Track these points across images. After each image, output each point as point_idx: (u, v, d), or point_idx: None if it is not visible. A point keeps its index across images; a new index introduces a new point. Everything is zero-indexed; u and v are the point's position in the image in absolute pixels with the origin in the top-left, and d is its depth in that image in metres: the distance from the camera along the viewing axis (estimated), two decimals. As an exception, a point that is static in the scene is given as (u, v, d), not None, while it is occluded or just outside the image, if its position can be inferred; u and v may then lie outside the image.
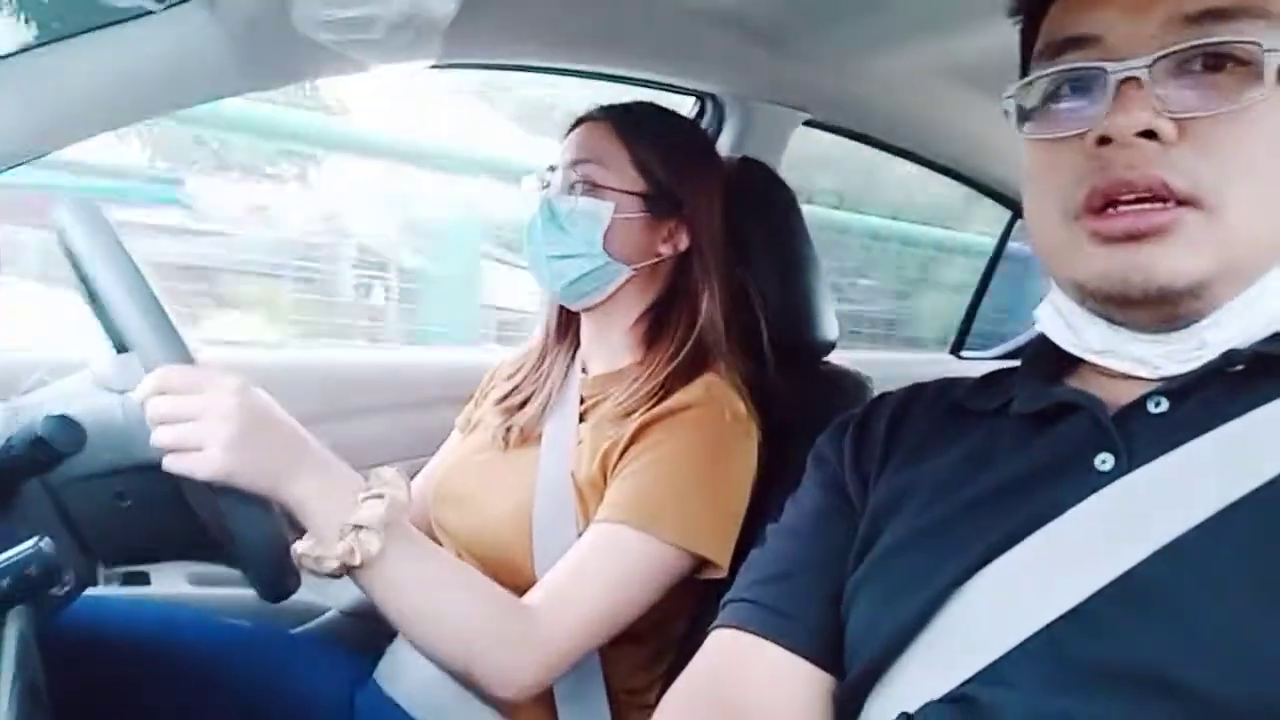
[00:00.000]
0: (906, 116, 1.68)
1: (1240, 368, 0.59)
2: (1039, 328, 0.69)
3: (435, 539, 1.14)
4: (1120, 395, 0.63)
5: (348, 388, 1.39)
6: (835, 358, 1.25)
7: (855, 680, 0.66)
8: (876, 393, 1.14)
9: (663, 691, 1.03)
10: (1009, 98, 0.66)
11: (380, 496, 0.80)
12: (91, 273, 0.76)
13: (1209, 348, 0.60)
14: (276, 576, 0.78)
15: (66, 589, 0.51)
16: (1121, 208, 0.58)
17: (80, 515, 0.77)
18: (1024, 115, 0.66)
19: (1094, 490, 0.59)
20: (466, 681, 0.88)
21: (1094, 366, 0.67)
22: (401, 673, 1.05)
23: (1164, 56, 0.57)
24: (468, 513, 1.08)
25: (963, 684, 0.58)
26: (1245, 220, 0.57)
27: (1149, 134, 0.57)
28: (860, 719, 0.65)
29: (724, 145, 1.52)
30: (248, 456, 0.75)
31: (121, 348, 0.81)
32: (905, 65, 1.50)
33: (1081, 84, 0.62)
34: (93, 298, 0.78)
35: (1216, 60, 0.58)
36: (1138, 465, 0.59)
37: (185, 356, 0.77)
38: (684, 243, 1.10)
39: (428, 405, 1.40)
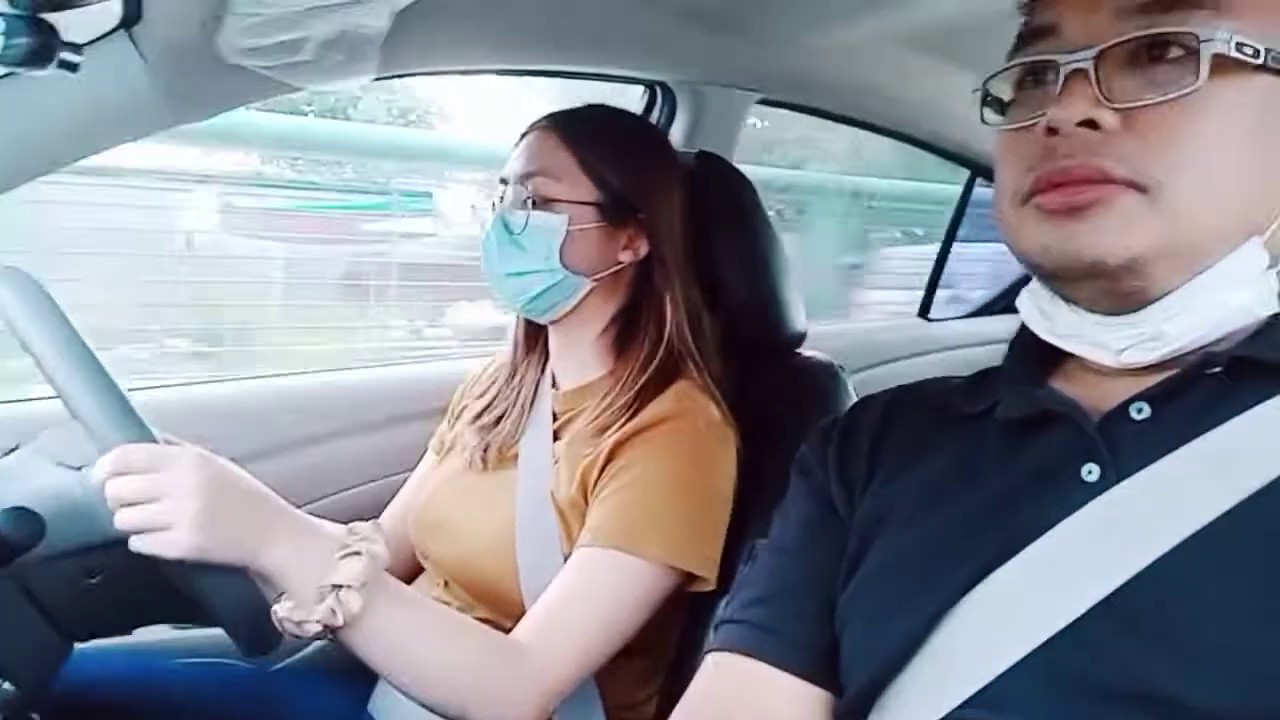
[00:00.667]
0: (861, 87, 1.67)
1: (1219, 370, 0.59)
2: (1020, 315, 0.69)
3: (420, 566, 1.13)
4: (1104, 399, 0.63)
5: (317, 412, 1.36)
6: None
7: (851, 704, 0.66)
8: (852, 367, 1.17)
9: (660, 703, 1.04)
10: (976, 91, 0.67)
11: (358, 554, 0.79)
12: (34, 348, 0.73)
13: (1164, 339, 0.60)
14: (257, 635, 0.77)
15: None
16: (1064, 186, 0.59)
17: (48, 597, 0.76)
18: (1001, 106, 0.67)
19: (1082, 503, 0.58)
20: None
21: (1078, 362, 0.67)
22: (395, 703, 1.04)
23: (1109, 48, 0.58)
24: (451, 540, 1.07)
25: (959, 707, 0.58)
26: (1187, 203, 0.57)
27: (1091, 124, 0.58)
28: None
29: (677, 134, 1.50)
30: (217, 531, 0.74)
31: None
32: (858, 37, 1.48)
33: (1039, 75, 0.63)
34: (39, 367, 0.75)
35: (1161, 50, 0.58)
36: (1125, 476, 0.58)
37: (141, 432, 0.74)
38: (644, 249, 1.07)
39: (399, 422, 1.38)
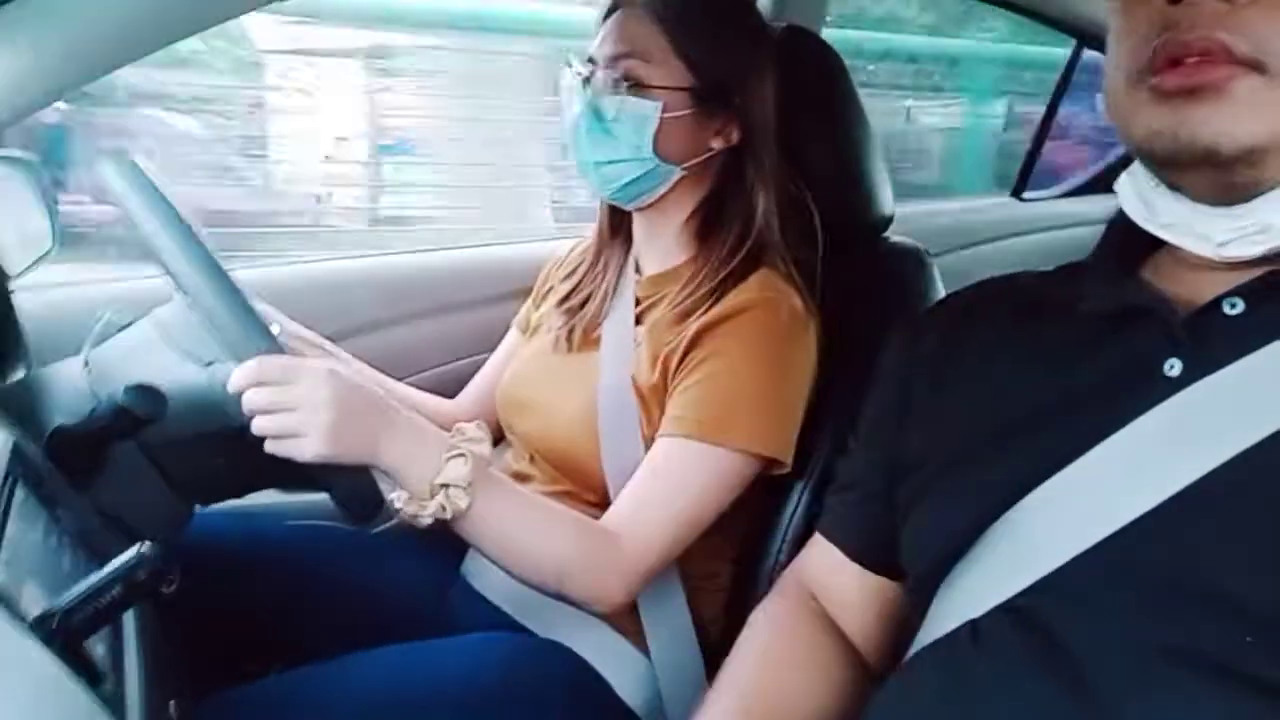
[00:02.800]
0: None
1: None
2: (1119, 202, 0.67)
3: (504, 436, 1.18)
4: (1195, 293, 0.61)
5: (405, 291, 1.40)
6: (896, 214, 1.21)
7: (918, 582, 0.69)
8: (943, 250, 1.14)
9: (735, 574, 1.09)
10: None
11: (463, 455, 0.84)
12: (153, 242, 0.77)
13: (1272, 232, 0.57)
14: (365, 509, 0.83)
15: (173, 585, 0.54)
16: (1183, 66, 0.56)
17: (174, 469, 0.82)
18: None
19: (1162, 399, 0.58)
20: (560, 600, 0.93)
21: (1170, 255, 0.65)
22: (487, 568, 1.11)
23: None
24: (535, 418, 1.11)
25: (1024, 592, 0.59)
26: None
27: None
28: (925, 622, 0.67)
29: (765, 3, 1.43)
30: (345, 440, 0.80)
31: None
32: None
33: None
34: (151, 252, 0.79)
35: None
36: (1210, 370, 0.57)
37: (270, 342, 0.80)
38: (736, 136, 1.05)
39: (484, 303, 1.41)
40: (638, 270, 1.13)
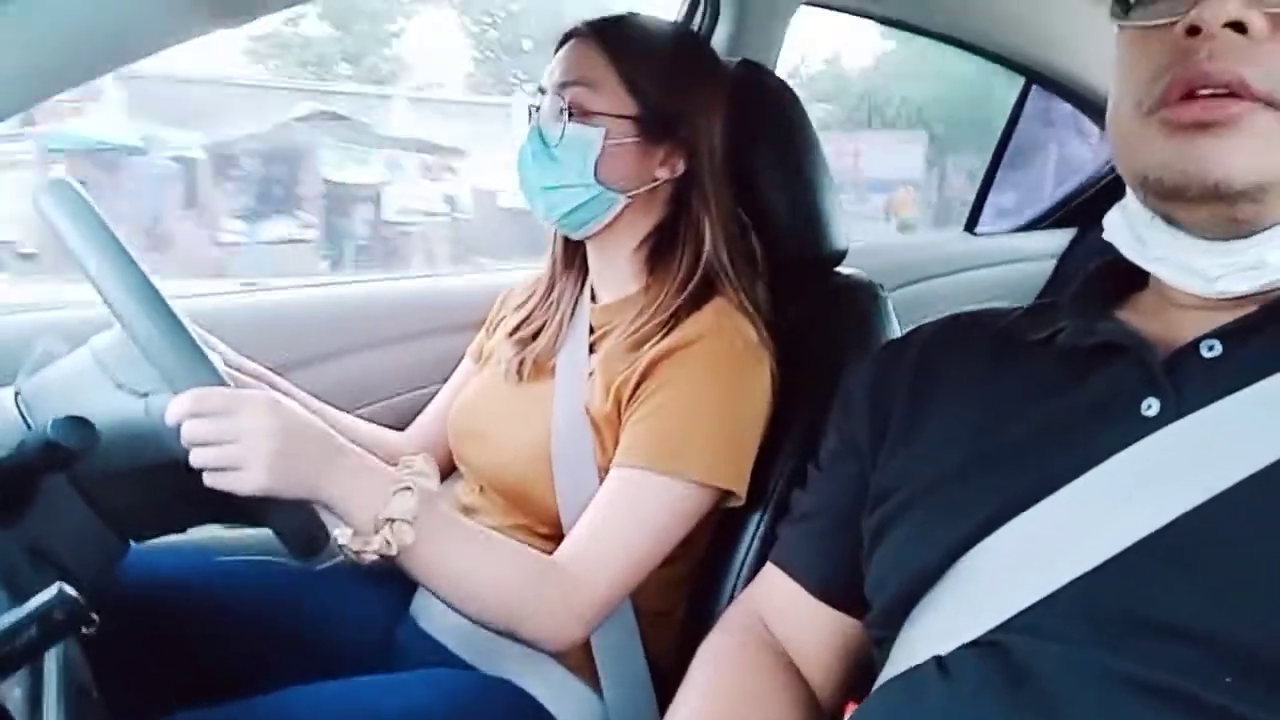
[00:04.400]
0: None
1: None
2: (1106, 236, 0.67)
3: (455, 468, 1.16)
4: (1173, 334, 0.61)
5: (353, 322, 1.37)
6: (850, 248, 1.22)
7: (881, 616, 0.68)
8: (896, 284, 1.15)
9: (690, 609, 1.08)
10: None
11: (410, 489, 0.82)
12: (91, 271, 0.75)
13: (1267, 269, 0.57)
14: (308, 544, 0.81)
15: (94, 627, 0.52)
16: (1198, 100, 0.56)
17: (108, 504, 0.80)
18: (1125, 4, 0.63)
19: (1139, 437, 0.58)
20: (511, 639, 0.91)
21: (1153, 292, 0.65)
22: (436, 606, 1.08)
23: None
24: (487, 448, 1.09)
25: (994, 630, 0.58)
26: None
27: (1239, 26, 0.54)
28: (889, 657, 0.66)
29: (719, 41, 1.45)
30: (287, 472, 0.78)
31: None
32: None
33: None
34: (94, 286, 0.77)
35: None
36: (1186, 412, 0.57)
37: (211, 374, 0.78)
38: (681, 166, 1.05)
39: (437, 334, 1.40)
40: (593, 298, 1.13)
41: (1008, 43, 1.86)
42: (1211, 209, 0.58)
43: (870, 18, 1.71)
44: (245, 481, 0.77)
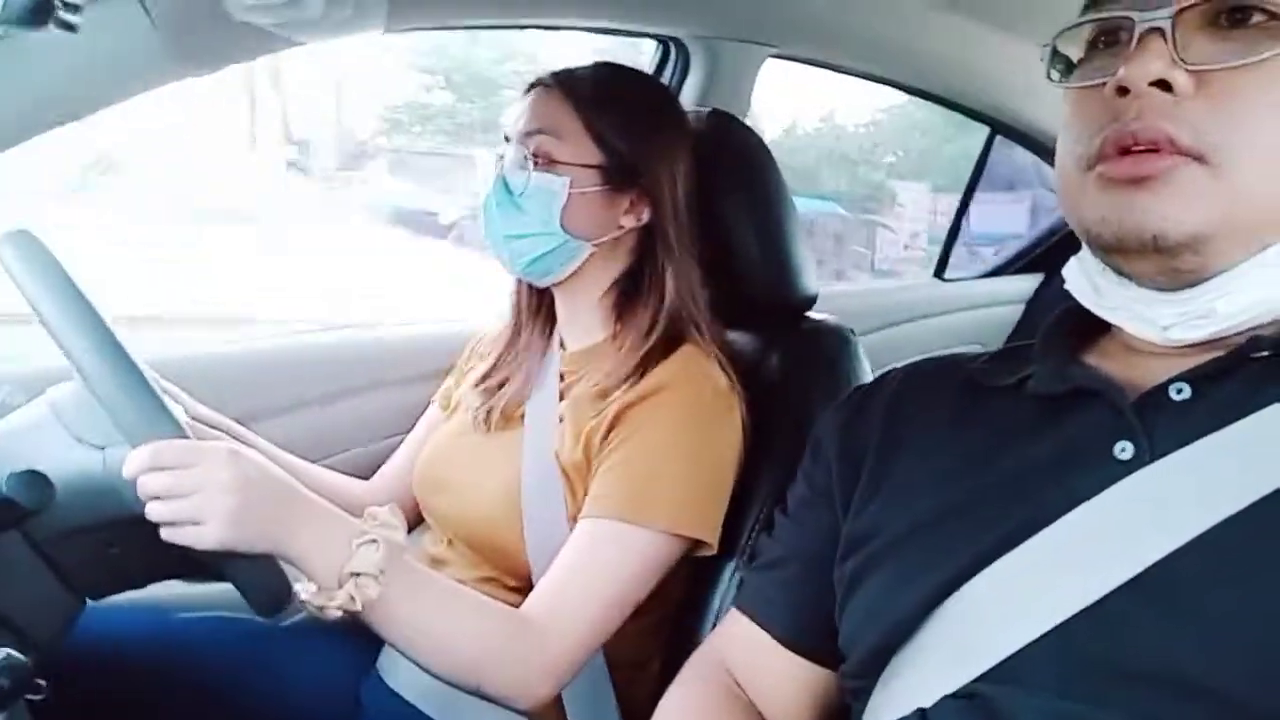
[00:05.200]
0: (879, 40, 1.63)
1: (1265, 354, 0.57)
2: (1067, 285, 0.68)
3: (422, 518, 1.14)
4: (1142, 378, 0.62)
5: (318, 372, 1.35)
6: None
7: (858, 667, 0.67)
8: (866, 329, 1.16)
9: (663, 661, 1.06)
10: (1046, 45, 0.65)
11: (375, 541, 0.80)
12: (49, 322, 0.74)
13: (1215, 317, 0.58)
14: (272, 600, 0.79)
15: (42, 694, 0.50)
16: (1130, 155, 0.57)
17: (64, 560, 0.78)
18: (1069, 65, 0.65)
19: (1113, 481, 0.58)
20: (479, 696, 0.89)
21: (1117, 339, 0.66)
22: (402, 662, 1.05)
23: (1188, 7, 0.56)
24: (455, 498, 1.07)
25: (974, 680, 0.57)
26: (1252, 179, 0.55)
27: (1164, 85, 0.56)
28: (868, 707, 0.65)
29: (690, 91, 1.47)
30: (247, 525, 0.76)
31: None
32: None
33: (1113, 34, 0.61)
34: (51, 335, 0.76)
35: (1243, 13, 0.56)
36: (1159, 455, 0.57)
37: (172, 426, 0.76)
38: (646, 215, 1.05)
39: (405, 383, 1.38)
40: (562, 346, 1.12)
41: (971, 94, 1.90)
42: (1154, 261, 0.59)
43: (839, 71, 1.74)
44: (204, 536, 0.75)
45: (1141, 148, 0.56)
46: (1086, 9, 0.64)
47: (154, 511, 0.75)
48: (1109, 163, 0.58)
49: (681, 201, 1.06)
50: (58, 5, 0.71)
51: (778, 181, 1.17)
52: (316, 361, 1.36)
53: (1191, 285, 0.59)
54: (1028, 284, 2.20)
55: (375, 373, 1.37)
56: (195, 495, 0.75)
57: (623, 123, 1.04)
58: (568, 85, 1.04)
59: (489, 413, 1.08)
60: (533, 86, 1.07)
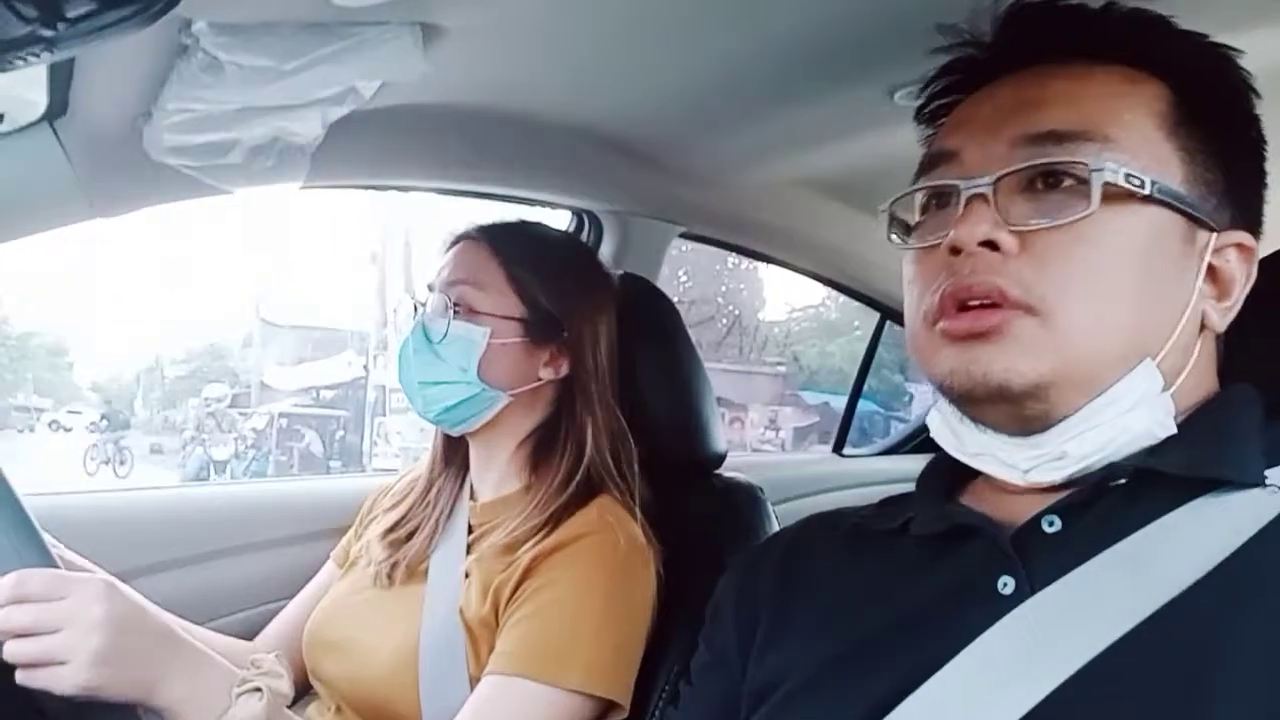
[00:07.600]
0: (776, 227, 1.73)
1: (1123, 482, 0.60)
2: (932, 434, 0.70)
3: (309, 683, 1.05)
4: (1015, 514, 0.64)
5: (206, 527, 1.27)
6: (725, 466, 1.24)
7: None
8: (769, 500, 1.17)
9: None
10: (884, 210, 0.70)
11: (258, 690, 0.75)
12: None
13: (1068, 459, 0.61)
14: None
15: None
16: (968, 311, 0.61)
17: None
18: (906, 228, 0.70)
19: (999, 616, 0.58)
20: None
21: (987, 481, 0.68)
22: None
23: (1007, 175, 0.62)
24: (347, 660, 1.00)
25: None
26: (1079, 328, 0.59)
27: (991, 244, 0.61)
28: None
29: (604, 256, 1.52)
30: (115, 669, 0.69)
31: None
32: (774, 179, 1.56)
33: (944, 198, 0.66)
34: None
35: (1055, 179, 0.61)
36: (1039, 587, 0.58)
37: (41, 555, 0.71)
38: (565, 368, 1.06)
39: (298, 541, 1.30)
40: (473, 496, 1.09)
41: (863, 282, 2.03)
42: (1003, 410, 0.62)
43: (741, 253, 1.84)
44: (64, 679, 0.67)
45: (977, 302, 0.61)
46: (918, 177, 0.69)
47: (10, 650, 0.67)
48: (950, 319, 0.62)
49: (604, 357, 1.08)
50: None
51: (687, 343, 1.21)
52: (203, 512, 1.29)
53: (1042, 430, 0.62)
54: (920, 463, 2.26)
55: (265, 529, 1.29)
56: (59, 632, 0.67)
57: (546, 278, 1.06)
58: (493, 238, 1.07)
59: (393, 566, 1.03)
60: (459, 239, 1.09)
